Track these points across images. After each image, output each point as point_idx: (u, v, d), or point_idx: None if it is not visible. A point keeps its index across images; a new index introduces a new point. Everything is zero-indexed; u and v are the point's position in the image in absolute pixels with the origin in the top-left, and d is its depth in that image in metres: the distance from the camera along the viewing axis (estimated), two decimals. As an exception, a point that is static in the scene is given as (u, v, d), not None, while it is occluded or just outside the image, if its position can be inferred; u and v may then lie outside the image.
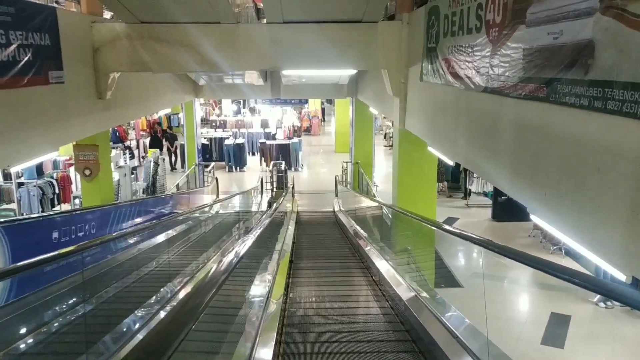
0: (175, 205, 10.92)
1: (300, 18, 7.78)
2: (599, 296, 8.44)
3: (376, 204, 9.90)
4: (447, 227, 4.15)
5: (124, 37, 7.81)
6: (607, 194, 2.76)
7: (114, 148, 16.22)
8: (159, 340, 3.68)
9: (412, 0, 7.76)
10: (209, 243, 7.76)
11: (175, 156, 21.11)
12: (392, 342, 4.37)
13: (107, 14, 9.61)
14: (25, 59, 5.49)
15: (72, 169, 12.80)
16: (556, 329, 8.03)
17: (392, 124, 25.73)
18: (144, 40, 7.86)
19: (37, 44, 5.83)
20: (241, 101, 28.78)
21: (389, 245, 7.68)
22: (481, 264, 3.85)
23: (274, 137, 23.63)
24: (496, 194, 13.80)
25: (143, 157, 18.32)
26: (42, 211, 12.04)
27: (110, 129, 20.13)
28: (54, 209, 12.85)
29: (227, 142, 21.47)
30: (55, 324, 3.69)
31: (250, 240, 6.18)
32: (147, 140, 21.32)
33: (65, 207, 12.86)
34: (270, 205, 13.94)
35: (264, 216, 9.38)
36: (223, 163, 21.58)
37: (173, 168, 20.81)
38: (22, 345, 3.51)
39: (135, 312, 4.04)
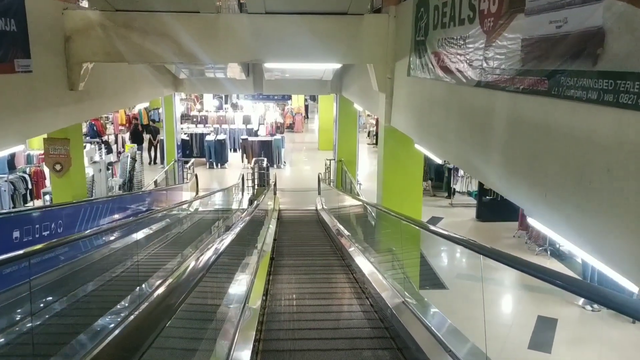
0: (152, 202, 10.52)
1: (284, 9, 7.47)
2: (583, 299, 8.30)
3: (360, 203, 9.65)
4: (441, 230, 3.89)
5: (97, 25, 7.42)
6: (618, 196, 2.51)
7: (90, 143, 15.74)
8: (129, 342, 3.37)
9: (399, -8, 7.50)
10: (184, 243, 7.41)
11: (156, 150, 20.66)
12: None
13: (85, 2, 9.18)
14: (-13, 44, 5.10)
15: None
16: (543, 333, 7.84)
17: (376, 122, 25.58)
18: (119, 29, 7.47)
19: (1, 30, 5.44)
20: (223, 97, 28.31)
21: (373, 246, 7.43)
22: (481, 275, 3.54)
23: (256, 134, 23.25)
24: (480, 193, 13.65)
25: (119, 153, 17.83)
26: (14, 207, 11.58)
27: (87, 123, 19.75)
28: (26, 205, 12.37)
29: (208, 138, 21.06)
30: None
31: (228, 239, 5.86)
32: (127, 135, 20.82)
33: (39, 203, 12.40)
34: (251, 202, 13.62)
35: (244, 214, 9.06)
36: (204, 159, 21.17)
37: (154, 162, 20.37)
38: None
39: (99, 320, 3.70)
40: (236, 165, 21.15)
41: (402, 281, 5.39)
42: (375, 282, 5.24)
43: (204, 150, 20.99)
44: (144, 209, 9.69)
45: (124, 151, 17.31)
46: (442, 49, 5.34)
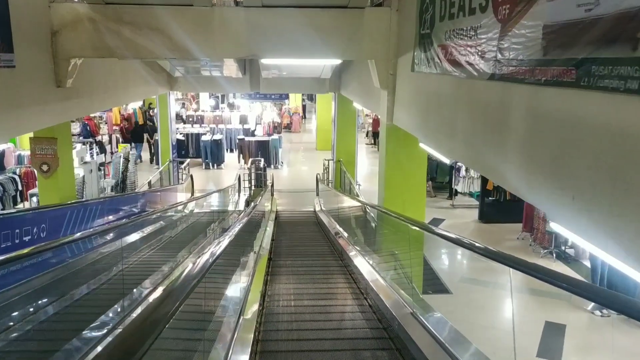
0: (145, 204, 10.18)
1: (281, 2, 7.16)
2: (593, 304, 8.00)
3: (359, 204, 9.33)
4: (459, 238, 3.52)
5: (86, 19, 7.07)
6: (666, 199, 2.18)
7: (83, 143, 15.37)
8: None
9: (402, -16, 7.18)
10: (176, 247, 7.06)
11: (151, 149, 20.39)
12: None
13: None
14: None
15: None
16: (552, 340, 7.53)
17: (373, 121, 25.31)
18: (109, 22, 7.13)
19: (-21, 22, 5.11)
20: (219, 96, 27.96)
21: (375, 249, 7.11)
22: (510, 289, 3.21)
23: (253, 134, 22.92)
24: (483, 194, 13.34)
25: (112, 153, 17.48)
26: (3, 209, 11.21)
27: (80, 122, 19.37)
28: (16, 207, 12.01)
29: (204, 138, 20.71)
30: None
31: (225, 241, 5.52)
32: (119, 135, 20.53)
33: (29, 205, 12.03)
34: (248, 204, 13.29)
35: (240, 216, 8.72)
36: (199, 160, 20.83)
37: (154, 161, 20.05)
38: None
39: (84, 332, 3.36)
40: (233, 165, 20.80)
41: (409, 288, 5.08)
42: (379, 289, 4.90)
43: (200, 151, 20.64)
44: (136, 211, 9.35)
45: (116, 151, 16.97)
46: (450, 42, 5.02)
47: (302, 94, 32.21)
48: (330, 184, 16.08)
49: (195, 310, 3.44)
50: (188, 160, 18.39)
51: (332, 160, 16.23)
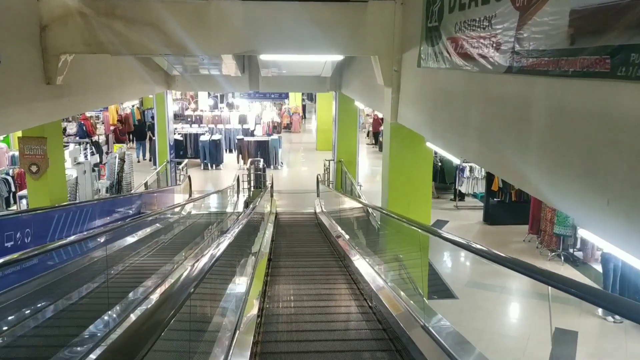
0: (140, 206, 9.85)
1: (280, -5, 6.85)
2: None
3: (361, 205, 9.02)
4: (482, 248, 3.18)
5: (76, 13, 6.75)
6: None
7: (79, 143, 15.04)
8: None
9: (407, -24, 6.87)
10: (170, 253, 6.74)
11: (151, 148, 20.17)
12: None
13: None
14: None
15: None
16: (564, 348, 7.22)
17: (373, 121, 25.02)
18: (101, 17, 6.80)
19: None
20: (218, 96, 27.65)
21: (379, 253, 6.80)
22: (549, 311, 2.91)
23: (252, 134, 22.62)
24: (488, 195, 13.03)
25: (107, 153, 17.16)
26: (-5, 211, 10.90)
27: (76, 122, 19.07)
28: (9, 208, 11.70)
29: (202, 138, 20.39)
30: None
31: (223, 245, 5.20)
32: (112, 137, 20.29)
33: (24, 206, 11.71)
34: (247, 205, 12.98)
35: (239, 218, 8.42)
36: (198, 160, 20.52)
37: (151, 159, 19.79)
38: None
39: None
40: (232, 166, 20.49)
41: (414, 295, 4.78)
42: (386, 299, 4.58)
43: (199, 151, 20.34)
44: (131, 214, 9.04)
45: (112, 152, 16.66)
46: (461, 34, 4.71)
47: (302, 94, 31.95)
48: (331, 184, 15.77)
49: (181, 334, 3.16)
50: (186, 160, 18.08)
51: (333, 160, 15.91)
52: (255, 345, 3.93)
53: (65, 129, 19.31)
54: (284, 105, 29.55)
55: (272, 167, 20.22)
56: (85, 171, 10.30)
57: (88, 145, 13.93)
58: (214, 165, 20.44)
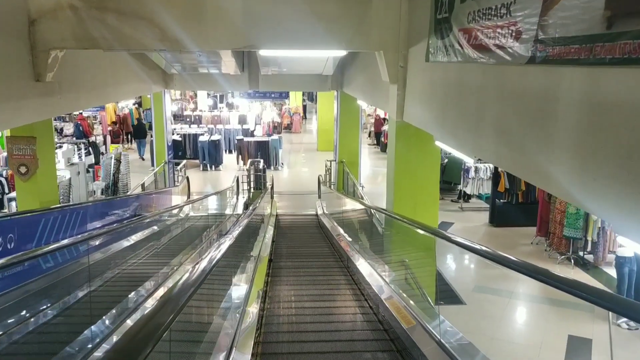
0: (136, 208, 9.51)
1: (281, -13, 6.53)
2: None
3: (364, 207, 8.69)
4: (512, 258, 2.82)
5: (67, 6, 6.42)
6: None
7: (76, 144, 14.70)
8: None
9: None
10: (161, 263, 6.38)
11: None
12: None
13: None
14: None
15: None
16: (578, 356, 6.90)
17: (375, 121, 24.70)
18: (92, 10, 6.48)
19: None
20: (218, 96, 27.34)
21: (385, 258, 6.48)
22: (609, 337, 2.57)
23: (252, 134, 22.30)
24: (494, 196, 12.70)
25: (102, 154, 16.84)
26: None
27: (73, 122, 18.76)
28: (2, 210, 11.37)
29: (201, 138, 20.07)
30: None
31: (222, 249, 4.87)
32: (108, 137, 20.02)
33: (13, 209, 11.37)
34: (246, 207, 12.65)
35: (238, 220, 8.09)
36: (197, 161, 20.20)
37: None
38: None
39: None
40: (231, 167, 20.17)
41: (422, 301, 4.46)
42: (395, 310, 4.25)
43: (198, 152, 20.02)
44: (127, 216, 8.71)
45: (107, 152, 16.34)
46: (475, 24, 4.37)
47: (303, 94, 31.64)
48: (332, 185, 15.44)
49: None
50: (184, 161, 17.75)
51: (335, 160, 15.59)
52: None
53: (62, 130, 19.01)
54: (285, 106, 29.24)
55: (272, 168, 19.92)
56: (79, 172, 9.96)
57: (83, 145, 13.57)
58: (213, 166, 20.14)
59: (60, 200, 8.49)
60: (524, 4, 3.48)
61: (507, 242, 11.40)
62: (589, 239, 9.81)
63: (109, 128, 20.84)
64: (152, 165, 16.27)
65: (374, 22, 6.74)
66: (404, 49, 6.66)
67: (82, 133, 18.30)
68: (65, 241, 3.61)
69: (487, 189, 13.58)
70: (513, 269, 2.82)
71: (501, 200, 12.58)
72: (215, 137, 20.50)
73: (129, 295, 4.64)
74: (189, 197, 14.58)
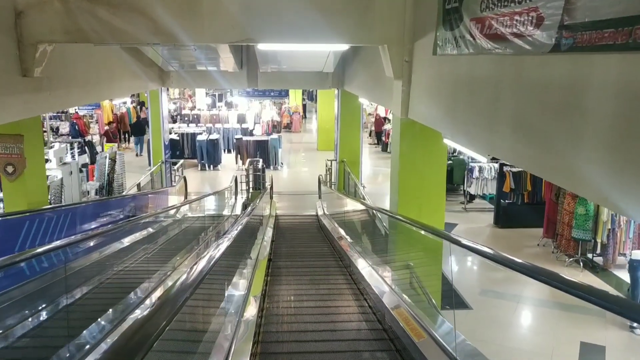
0: (131, 209, 9.19)
1: (280, -22, 6.23)
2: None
3: (367, 209, 8.38)
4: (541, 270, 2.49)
5: (55, -3, 6.13)
6: None
7: (70, 143, 14.39)
8: None
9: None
10: (152, 268, 6.07)
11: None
12: None
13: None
14: None
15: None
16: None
17: (375, 120, 24.39)
18: (82, 2, 6.16)
19: None
20: (216, 94, 27.03)
21: (389, 262, 6.18)
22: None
23: (251, 133, 22.00)
24: (499, 196, 12.38)
25: (96, 154, 16.55)
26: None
27: (69, 122, 18.44)
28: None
29: (199, 137, 19.76)
30: None
31: (220, 251, 4.56)
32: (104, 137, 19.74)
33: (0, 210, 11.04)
34: (245, 207, 12.34)
35: (236, 221, 7.77)
36: (195, 161, 19.89)
37: None
38: None
39: None
40: (230, 167, 19.86)
41: (430, 307, 4.16)
42: (404, 321, 3.94)
43: (196, 151, 19.71)
44: (120, 218, 8.40)
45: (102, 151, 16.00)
46: (489, 12, 4.06)
47: (303, 94, 31.35)
48: (333, 185, 15.13)
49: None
50: (182, 161, 17.43)
51: (335, 160, 15.28)
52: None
53: (57, 129, 18.69)
54: (284, 105, 28.94)
55: (271, 167, 19.63)
56: (71, 172, 9.64)
57: (76, 144, 13.24)
58: (211, 166, 19.84)
59: (51, 201, 8.19)
60: (547, -14, 3.17)
61: (512, 244, 11.10)
62: (599, 240, 9.51)
63: (106, 128, 20.52)
64: (149, 165, 15.95)
65: (378, 15, 6.42)
66: (409, 42, 6.36)
67: (78, 132, 17.99)
68: (40, 249, 3.29)
69: (491, 189, 13.28)
70: (530, 277, 2.53)
71: (506, 201, 12.27)
72: (214, 136, 20.21)
73: (109, 311, 4.31)
74: (186, 197, 14.27)
